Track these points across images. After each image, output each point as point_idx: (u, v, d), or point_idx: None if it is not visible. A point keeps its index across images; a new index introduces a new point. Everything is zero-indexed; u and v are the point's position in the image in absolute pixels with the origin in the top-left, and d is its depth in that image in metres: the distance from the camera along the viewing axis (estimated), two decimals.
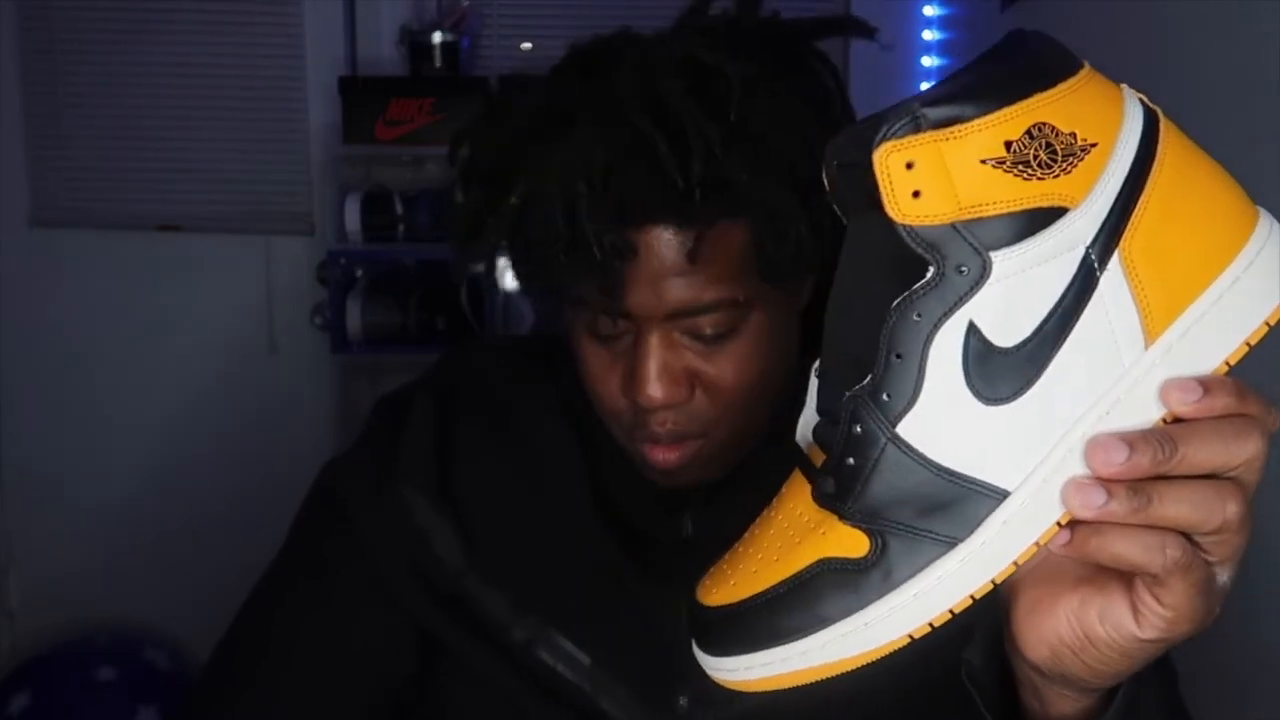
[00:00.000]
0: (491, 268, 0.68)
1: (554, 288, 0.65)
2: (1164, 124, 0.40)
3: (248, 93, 2.27)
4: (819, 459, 0.41)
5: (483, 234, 0.63)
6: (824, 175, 0.41)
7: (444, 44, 2.15)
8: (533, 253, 0.62)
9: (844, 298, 0.41)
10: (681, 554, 0.68)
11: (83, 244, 2.28)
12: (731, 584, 0.41)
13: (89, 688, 2.00)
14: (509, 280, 2.22)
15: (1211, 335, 0.39)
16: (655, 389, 0.61)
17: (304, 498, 0.77)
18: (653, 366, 0.61)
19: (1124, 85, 0.41)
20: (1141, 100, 0.40)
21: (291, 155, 2.28)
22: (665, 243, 0.59)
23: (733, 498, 0.65)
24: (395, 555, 0.71)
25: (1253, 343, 0.40)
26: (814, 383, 0.43)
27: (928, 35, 2.18)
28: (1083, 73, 0.39)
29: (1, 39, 2.24)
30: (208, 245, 2.29)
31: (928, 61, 2.17)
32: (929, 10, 2.18)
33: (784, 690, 0.40)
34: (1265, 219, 0.41)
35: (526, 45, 2.30)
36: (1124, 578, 0.41)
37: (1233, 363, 0.40)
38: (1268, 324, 0.40)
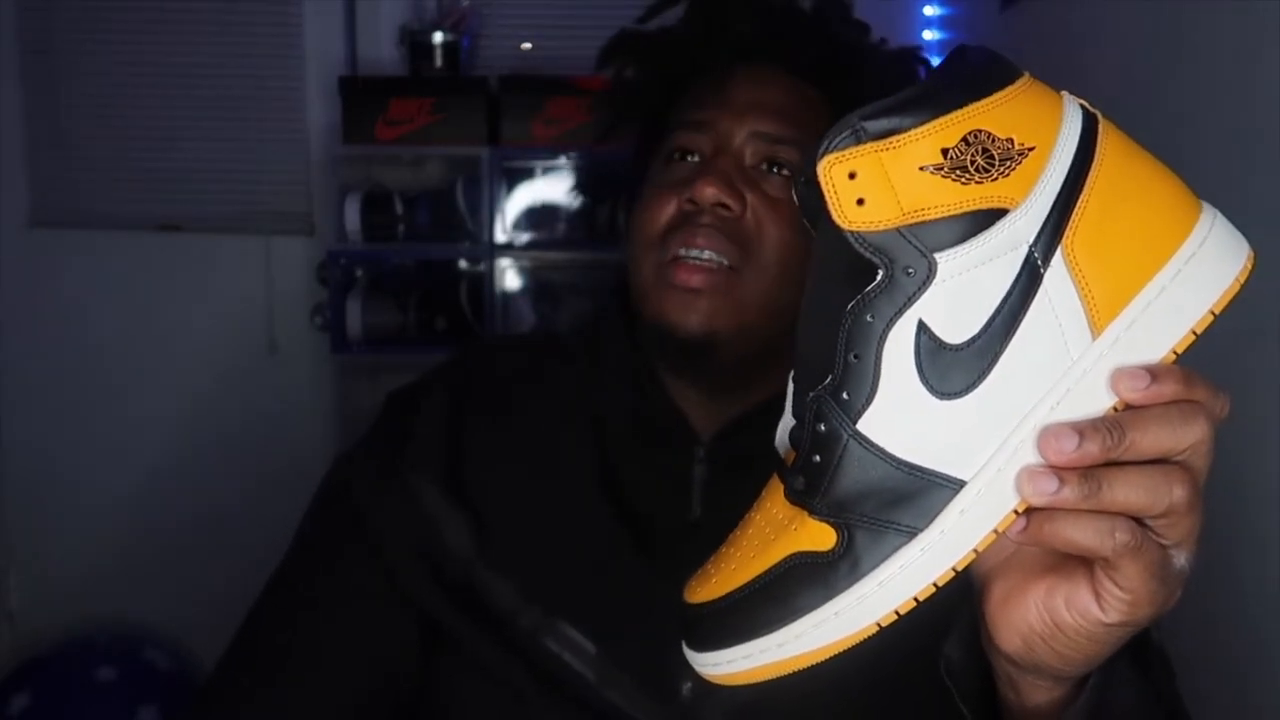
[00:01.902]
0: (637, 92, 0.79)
1: (651, 119, 0.76)
2: (1103, 125, 0.42)
3: (248, 93, 2.27)
4: (792, 460, 0.43)
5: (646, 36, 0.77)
6: (793, 193, 0.43)
7: (444, 44, 2.15)
8: (674, 50, 0.75)
9: (809, 306, 0.44)
10: (688, 540, 0.69)
11: (83, 244, 2.28)
12: (713, 582, 0.43)
13: (89, 688, 2.00)
14: (510, 280, 2.22)
15: (1157, 325, 0.41)
16: (711, 185, 0.67)
17: (315, 491, 0.78)
18: (716, 167, 0.69)
19: (1064, 92, 0.43)
20: (1082, 105, 0.42)
21: (291, 155, 2.28)
22: (770, 76, 0.72)
23: (738, 479, 0.66)
24: (403, 544, 0.72)
25: (1199, 331, 0.41)
26: (790, 389, 0.45)
27: (928, 35, 2.18)
28: (1020, 82, 0.41)
29: (1, 39, 2.24)
30: (208, 245, 2.29)
31: None
32: (929, 10, 2.18)
33: (767, 681, 0.42)
34: (1208, 212, 0.43)
35: (526, 45, 2.30)
36: (1087, 565, 0.43)
37: (1180, 351, 0.41)
38: (1213, 313, 0.41)
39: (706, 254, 0.68)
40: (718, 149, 0.71)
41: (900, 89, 0.74)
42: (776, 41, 0.73)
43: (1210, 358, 0.44)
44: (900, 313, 0.40)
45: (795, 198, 0.43)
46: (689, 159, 0.72)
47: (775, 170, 0.70)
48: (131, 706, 1.99)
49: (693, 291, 0.67)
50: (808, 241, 0.69)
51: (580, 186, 2.09)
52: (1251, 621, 0.98)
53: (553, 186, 2.15)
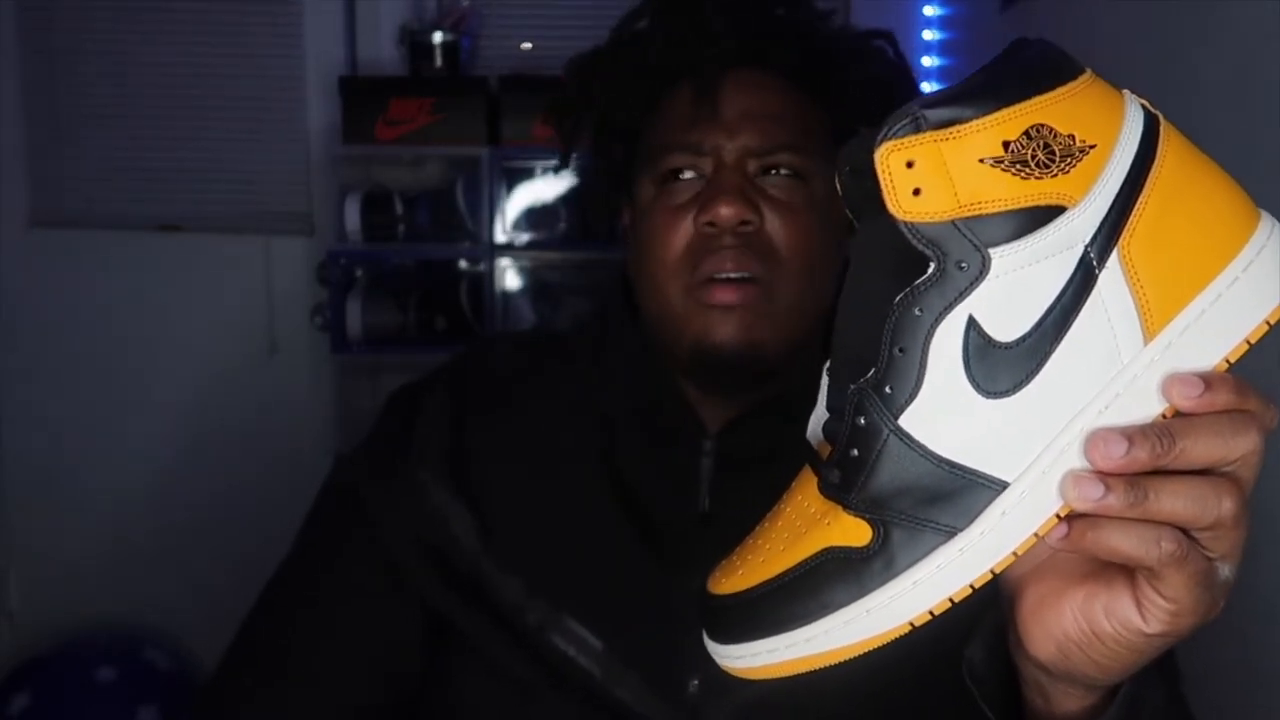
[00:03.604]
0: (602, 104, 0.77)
1: (637, 144, 0.75)
2: (1164, 127, 0.41)
3: (248, 93, 2.27)
4: (826, 453, 0.43)
5: (614, 62, 0.75)
6: (836, 181, 0.42)
7: (444, 44, 2.15)
8: (653, 68, 0.73)
9: (852, 297, 0.43)
10: (696, 535, 0.69)
11: (83, 244, 2.28)
12: (740, 574, 0.42)
13: (89, 688, 2.00)
14: (510, 280, 2.22)
15: (1212, 333, 0.40)
16: (729, 205, 0.67)
17: (318, 492, 0.78)
18: (728, 186, 0.68)
19: (1126, 90, 0.42)
20: (1143, 105, 0.41)
21: (291, 155, 2.28)
22: (755, 82, 0.71)
23: (746, 474, 0.66)
24: (409, 540, 0.72)
25: (1253, 340, 0.40)
26: (825, 381, 0.44)
27: (928, 35, 2.18)
28: (1083, 78, 0.40)
29: (1, 39, 2.24)
30: (208, 245, 2.29)
31: (928, 61, 2.17)
32: (929, 10, 2.18)
33: (790, 677, 0.41)
34: (1266, 220, 0.42)
35: (526, 45, 2.30)
36: (1128, 573, 0.42)
37: (1233, 360, 0.40)
38: (1268, 323, 0.40)
39: (738, 275, 0.67)
40: (718, 165, 0.70)
41: (883, 79, 0.73)
42: (757, 46, 0.72)
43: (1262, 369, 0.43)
44: (950, 307, 0.39)
45: (839, 187, 0.42)
46: (686, 176, 0.71)
47: (778, 172, 0.70)
48: (131, 706, 1.99)
49: (731, 308, 0.67)
50: (821, 235, 0.69)
51: (581, 192, 2.08)
52: (1259, 625, 0.98)
53: (553, 186, 2.15)
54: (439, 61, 2.15)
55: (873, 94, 0.72)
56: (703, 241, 0.68)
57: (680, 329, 0.69)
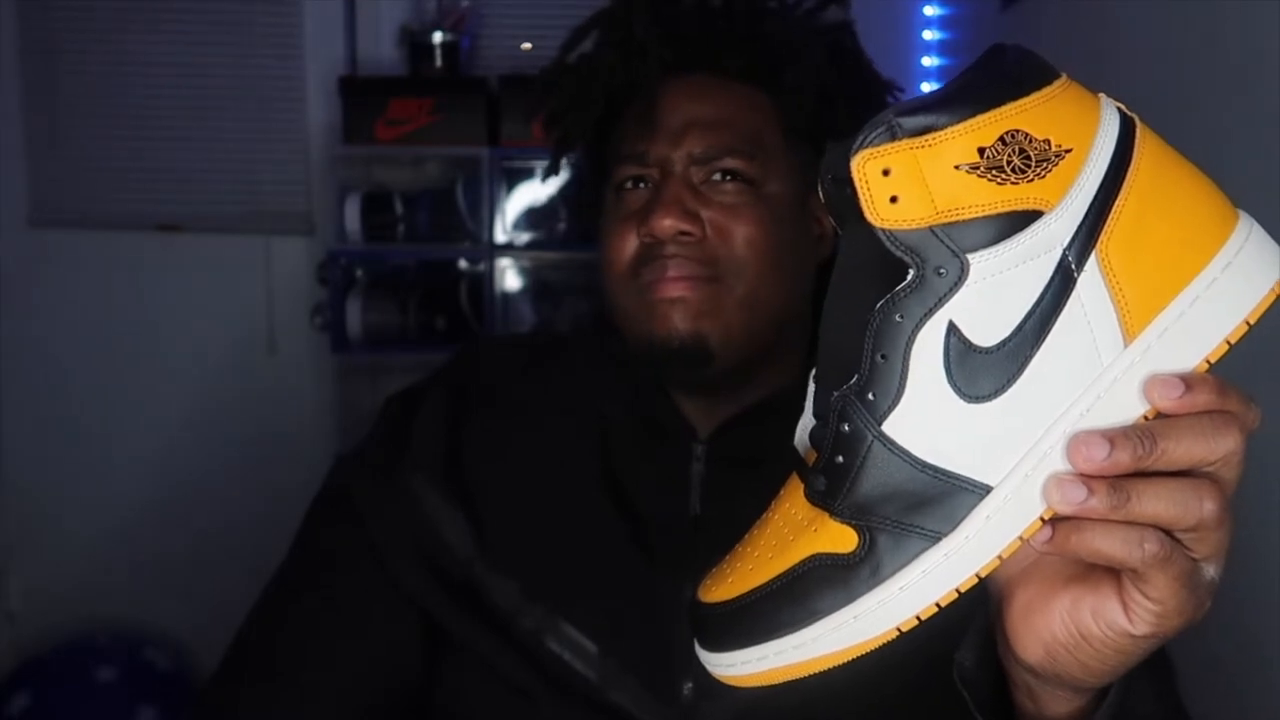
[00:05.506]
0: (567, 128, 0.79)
1: (598, 151, 0.77)
2: (1140, 130, 0.41)
3: (248, 93, 2.27)
4: (812, 459, 0.43)
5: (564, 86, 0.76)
6: (819, 190, 0.42)
7: (444, 44, 2.15)
8: (596, 82, 0.74)
9: (835, 304, 0.43)
10: (689, 538, 0.70)
11: (83, 244, 2.28)
12: (729, 582, 0.43)
13: (89, 688, 2.00)
14: (510, 280, 2.21)
15: (1191, 334, 0.40)
16: (666, 217, 0.67)
17: (316, 493, 0.78)
18: (666, 197, 0.68)
19: (1102, 94, 0.42)
20: (1119, 108, 0.42)
21: (291, 155, 2.28)
22: (698, 87, 0.72)
23: (737, 476, 0.66)
24: (404, 545, 0.72)
25: (1233, 341, 0.41)
26: (811, 388, 0.45)
27: (928, 35, 2.18)
28: (1058, 83, 0.41)
29: (1, 39, 2.24)
30: (208, 245, 2.29)
31: (928, 61, 2.17)
32: (929, 10, 2.18)
33: (779, 684, 0.41)
34: (1244, 221, 0.42)
35: (526, 45, 2.29)
36: (1114, 575, 0.42)
37: (1213, 360, 0.41)
38: (1247, 323, 0.41)
39: (685, 270, 0.68)
40: (664, 175, 0.70)
41: (832, 75, 0.73)
42: (697, 51, 0.73)
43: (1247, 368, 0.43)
44: (930, 313, 0.39)
45: (821, 195, 0.42)
46: (639, 185, 0.72)
47: (726, 177, 0.70)
48: (131, 706, 1.99)
49: (675, 300, 0.68)
50: (774, 238, 0.69)
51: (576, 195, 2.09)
52: (1248, 624, 0.98)
53: (552, 186, 2.15)
54: (439, 61, 2.15)
55: (821, 91, 0.72)
56: (646, 252, 0.69)
57: (634, 329, 0.71)
